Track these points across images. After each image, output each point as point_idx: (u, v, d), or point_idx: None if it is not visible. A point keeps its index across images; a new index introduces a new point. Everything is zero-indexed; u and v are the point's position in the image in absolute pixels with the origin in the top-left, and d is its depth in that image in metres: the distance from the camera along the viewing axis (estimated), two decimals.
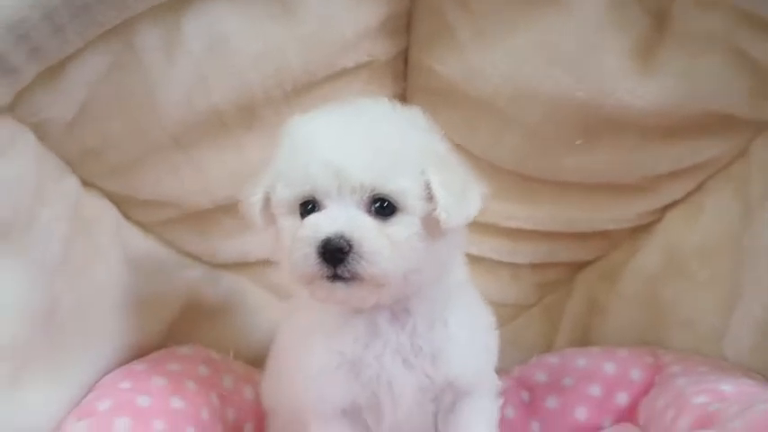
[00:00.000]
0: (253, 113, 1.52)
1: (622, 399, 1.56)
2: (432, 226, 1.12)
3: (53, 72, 1.28)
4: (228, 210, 1.63)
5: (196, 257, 1.71)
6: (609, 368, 1.59)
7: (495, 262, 1.81)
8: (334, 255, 1.05)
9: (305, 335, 1.24)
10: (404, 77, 1.69)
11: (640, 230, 1.75)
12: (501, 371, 1.34)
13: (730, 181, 1.59)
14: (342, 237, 1.05)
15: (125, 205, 1.57)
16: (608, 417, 1.55)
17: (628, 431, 1.47)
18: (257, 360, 1.72)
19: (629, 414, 1.53)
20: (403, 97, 1.70)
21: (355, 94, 1.60)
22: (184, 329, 1.67)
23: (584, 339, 1.81)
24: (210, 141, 1.52)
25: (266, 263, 1.75)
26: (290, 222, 1.13)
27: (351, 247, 1.05)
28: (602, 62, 1.47)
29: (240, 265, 1.76)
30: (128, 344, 1.51)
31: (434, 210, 1.10)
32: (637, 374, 1.57)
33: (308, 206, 1.11)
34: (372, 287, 1.09)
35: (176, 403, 1.37)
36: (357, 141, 1.10)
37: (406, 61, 1.67)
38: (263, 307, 1.79)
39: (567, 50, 1.47)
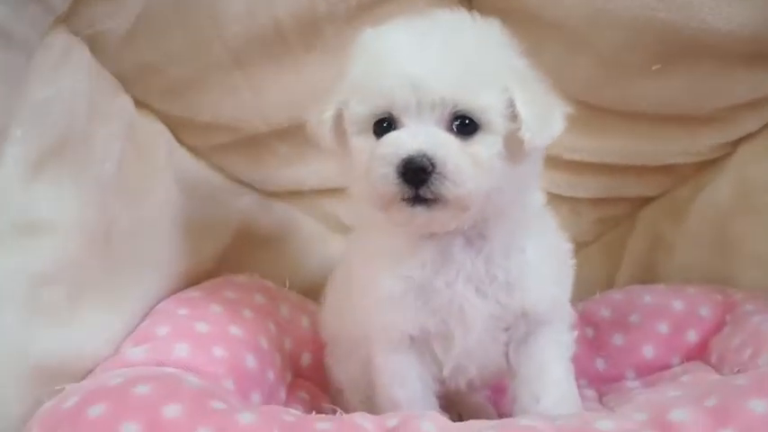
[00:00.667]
0: (315, 30, 1.45)
1: (692, 336, 1.50)
2: (514, 146, 1.05)
3: None
4: (284, 136, 1.59)
5: (248, 185, 1.66)
6: (677, 305, 1.53)
7: (554, 196, 1.73)
8: (417, 174, 0.99)
9: (371, 260, 1.18)
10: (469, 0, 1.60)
11: (709, 165, 1.69)
12: None
13: None
14: (424, 155, 0.99)
15: (179, 128, 1.52)
16: (677, 355, 1.50)
17: (699, 369, 1.42)
18: (310, 290, 1.69)
19: (698, 352, 1.48)
20: None
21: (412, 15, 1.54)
22: (237, 258, 1.63)
23: (646, 277, 1.75)
24: (270, 60, 1.46)
25: (319, 192, 1.72)
26: (364, 141, 1.07)
27: (434, 166, 0.99)
28: None
29: (293, 194, 1.72)
30: (182, 270, 1.47)
31: (518, 129, 1.04)
32: (706, 312, 1.51)
33: (384, 124, 1.05)
34: (455, 209, 1.03)
35: (234, 330, 1.32)
36: (438, 54, 1.03)
37: None
38: (316, 237, 1.76)
39: None
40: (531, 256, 1.15)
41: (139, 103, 1.43)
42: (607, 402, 1.40)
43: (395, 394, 1.19)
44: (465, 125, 1.04)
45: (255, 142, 1.58)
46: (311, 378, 1.49)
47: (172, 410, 0.95)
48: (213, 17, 1.35)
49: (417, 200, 1.01)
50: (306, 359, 1.50)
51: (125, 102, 1.39)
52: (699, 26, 1.39)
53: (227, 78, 1.44)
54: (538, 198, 1.19)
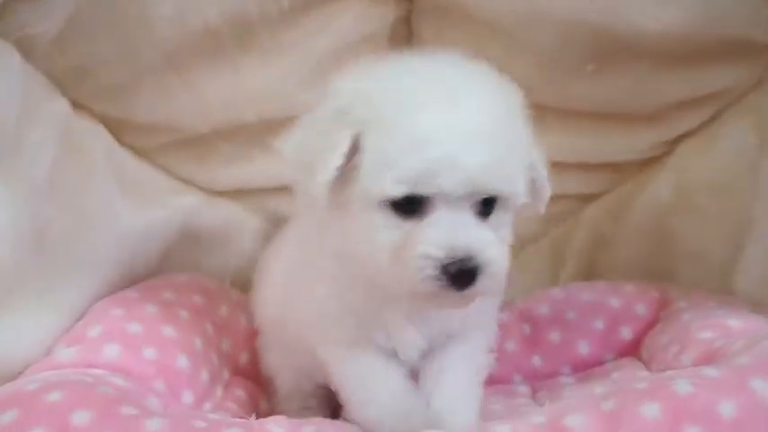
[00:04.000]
0: (248, 32, 1.45)
1: (626, 333, 1.52)
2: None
3: None
4: (227, 135, 1.60)
5: (193, 184, 1.67)
6: (614, 302, 1.55)
7: None
8: (465, 278, 0.97)
9: (322, 299, 1.15)
10: None
11: (651, 163, 1.70)
12: (503, 303, 1.30)
13: (747, 112, 1.53)
14: (474, 258, 0.96)
15: (119, 129, 1.52)
16: (611, 351, 1.52)
17: (631, 366, 1.44)
18: None
19: (632, 349, 1.50)
20: (408, 19, 1.63)
21: (356, 15, 1.55)
22: (181, 257, 1.64)
23: (590, 274, 1.78)
24: (205, 63, 1.46)
25: (266, 191, 1.72)
26: (386, 220, 1.00)
27: (480, 267, 0.97)
28: None
29: (239, 193, 1.72)
30: (121, 270, 1.48)
31: (530, 203, 1.07)
32: (642, 309, 1.53)
33: (409, 201, 0.99)
34: (481, 296, 1.02)
35: (168, 331, 1.34)
36: (482, 139, 0.99)
37: None
38: (262, 236, 1.75)
39: None
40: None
41: (78, 106, 1.43)
42: (540, 398, 1.42)
43: (370, 383, 1.16)
44: (486, 203, 1.02)
45: (198, 142, 1.59)
46: (250, 376, 1.51)
47: (80, 417, 0.97)
48: (142, 21, 1.35)
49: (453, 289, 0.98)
50: (244, 357, 1.52)
51: (60, 105, 1.39)
52: (629, 27, 1.40)
53: (162, 80, 1.45)
54: None
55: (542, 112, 1.56)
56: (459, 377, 1.16)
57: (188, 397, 1.30)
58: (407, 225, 1.00)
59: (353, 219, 1.03)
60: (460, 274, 0.96)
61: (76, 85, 1.40)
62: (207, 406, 1.34)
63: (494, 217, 1.03)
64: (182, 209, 1.64)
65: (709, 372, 1.04)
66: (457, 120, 0.99)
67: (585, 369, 1.51)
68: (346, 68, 1.11)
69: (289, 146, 1.08)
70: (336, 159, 1.00)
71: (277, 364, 1.43)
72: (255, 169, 1.66)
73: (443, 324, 1.16)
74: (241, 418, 1.16)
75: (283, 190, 1.68)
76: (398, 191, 0.98)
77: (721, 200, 1.56)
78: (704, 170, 1.59)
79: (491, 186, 1.00)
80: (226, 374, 1.46)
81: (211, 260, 1.70)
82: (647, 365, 1.40)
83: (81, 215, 1.40)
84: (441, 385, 1.15)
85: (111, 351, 1.25)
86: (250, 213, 1.76)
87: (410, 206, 0.99)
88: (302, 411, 1.37)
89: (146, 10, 1.34)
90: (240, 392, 1.44)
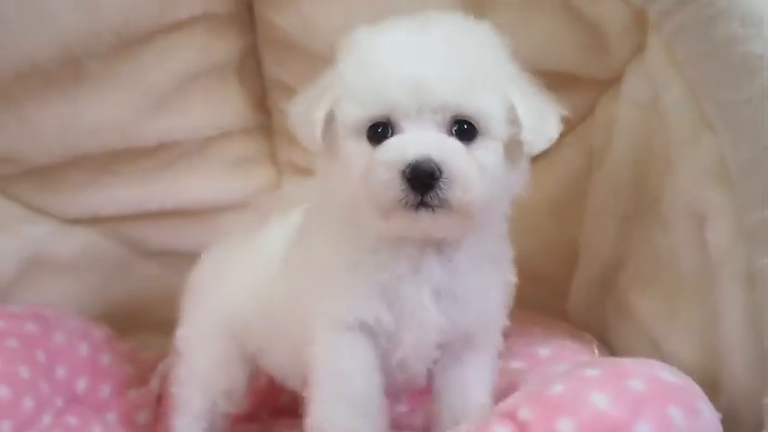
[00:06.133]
0: (78, 67, 1.48)
1: None
2: (512, 151, 1.05)
3: None
4: (73, 164, 1.61)
5: (44, 212, 1.67)
6: None
7: None
8: (424, 180, 0.96)
9: (326, 266, 1.13)
10: (252, 30, 1.65)
11: None
12: None
13: (579, 139, 1.56)
14: (431, 160, 0.96)
15: None
16: None
17: None
18: (117, 315, 1.74)
19: None
20: (254, 50, 1.67)
21: (198, 47, 1.58)
22: (31, 287, 1.65)
23: None
24: (37, 97, 1.48)
25: (119, 219, 1.72)
26: (359, 146, 1.02)
27: (441, 171, 0.96)
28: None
29: (94, 220, 1.72)
30: None
31: (517, 134, 1.04)
32: None
33: (380, 129, 1.01)
34: (459, 217, 1.00)
35: None
36: (439, 56, 1.00)
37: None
38: (121, 262, 1.77)
39: (398, 6, 1.41)
40: (489, 281, 1.15)
41: None
42: None
43: (346, 366, 1.12)
44: (464, 130, 1.01)
45: (44, 171, 1.59)
46: (87, 402, 1.53)
47: None
48: None
49: (422, 205, 0.98)
50: (82, 384, 1.54)
51: None
52: None
53: None
54: (505, 223, 1.18)
55: None
56: (483, 400, 1.18)
57: (5, 427, 1.32)
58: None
59: (340, 158, 1.05)
60: (418, 177, 0.96)
61: None
62: None
63: (476, 143, 1.02)
64: (34, 237, 1.65)
65: None
66: (412, 42, 1.01)
67: None
68: None
69: (293, 107, 1.10)
70: (326, 98, 1.03)
71: (194, 380, 1.39)
72: (107, 196, 1.67)
73: (461, 308, 1.12)
74: None
75: (139, 216, 1.73)
76: (358, 113, 1.01)
77: (558, 224, 1.59)
78: (541, 195, 1.60)
79: (447, 99, 0.99)
80: (59, 402, 1.47)
81: (69, 288, 1.71)
82: None
83: None
84: (469, 412, 1.16)
85: None
86: (108, 240, 1.75)
87: (380, 133, 1.01)
88: None
89: None
90: (73, 420, 1.46)
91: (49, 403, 1.44)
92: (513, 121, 1.03)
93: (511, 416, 1.01)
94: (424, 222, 0.99)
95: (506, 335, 1.44)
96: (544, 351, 1.36)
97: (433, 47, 1.01)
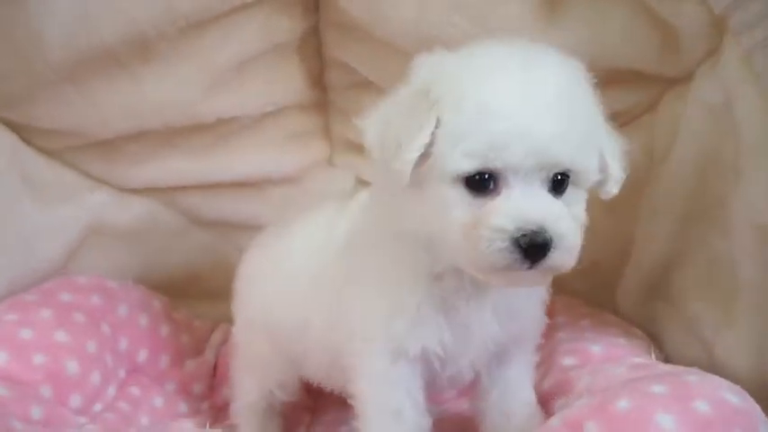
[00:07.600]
0: (147, 48, 1.48)
1: None
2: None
3: None
4: (134, 138, 1.63)
5: (104, 181, 1.70)
6: None
7: None
8: (538, 251, 0.96)
9: (384, 291, 1.14)
10: (316, 10, 1.63)
11: None
12: None
13: (639, 132, 1.56)
14: (546, 231, 0.96)
15: (24, 132, 1.56)
16: None
17: None
18: (171, 284, 1.78)
19: None
20: (315, 30, 1.66)
21: (261, 26, 1.58)
22: (90, 255, 1.69)
23: None
24: (103, 76, 1.49)
25: (177, 189, 1.75)
26: (457, 194, 1.01)
27: (553, 241, 0.97)
28: (505, 10, 1.40)
29: (152, 190, 1.75)
30: (24, 270, 1.54)
31: (603, 181, 1.07)
32: None
33: (483, 178, 0.99)
34: (555, 271, 1.02)
35: (60, 336, 1.41)
36: (554, 113, 0.99)
37: None
38: (176, 231, 1.80)
39: (471, 1, 1.41)
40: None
41: None
42: None
43: (399, 404, 1.15)
44: (558, 181, 1.02)
45: (105, 144, 1.62)
46: (148, 372, 1.59)
47: None
48: (35, 41, 1.38)
49: (530, 269, 0.98)
50: (143, 355, 1.60)
51: None
52: None
53: (60, 93, 1.48)
54: None
55: None
56: (529, 394, 1.24)
57: (76, 401, 1.38)
58: (480, 201, 1.00)
59: (428, 197, 1.03)
60: (533, 247, 0.96)
61: None
62: (97, 407, 1.42)
63: (567, 194, 1.03)
64: (91, 206, 1.68)
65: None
66: (526, 92, 0.99)
67: None
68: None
69: (371, 126, 1.07)
70: (423, 137, 1.00)
71: (249, 371, 1.45)
72: (165, 168, 1.69)
73: (514, 317, 1.16)
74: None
75: (196, 188, 1.75)
76: (468, 165, 0.98)
77: (614, 217, 1.59)
78: None
79: (562, 158, 0.99)
80: (122, 373, 1.53)
81: (125, 256, 1.74)
82: None
83: None
84: (517, 406, 1.22)
85: (0, 357, 1.32)
86: (165, 208, 1.78)
87: (483, 183, 0.99)
88: None
89: (35, 32, 1.37)
90: (135, 390, 1.52)
91: (113, 375, 1.50)
92: (602, 169, 1.05)
93: (577, 429, 1.04)
94: (524, 278, 1.01)
95: (555, 328, 1.49)
96: (596, 348, 1.38)
97: (547, 101, 0.99)
